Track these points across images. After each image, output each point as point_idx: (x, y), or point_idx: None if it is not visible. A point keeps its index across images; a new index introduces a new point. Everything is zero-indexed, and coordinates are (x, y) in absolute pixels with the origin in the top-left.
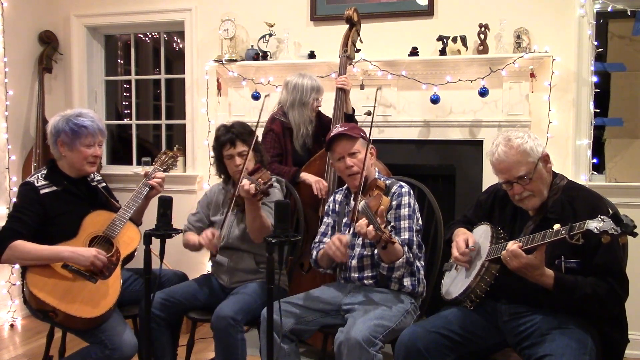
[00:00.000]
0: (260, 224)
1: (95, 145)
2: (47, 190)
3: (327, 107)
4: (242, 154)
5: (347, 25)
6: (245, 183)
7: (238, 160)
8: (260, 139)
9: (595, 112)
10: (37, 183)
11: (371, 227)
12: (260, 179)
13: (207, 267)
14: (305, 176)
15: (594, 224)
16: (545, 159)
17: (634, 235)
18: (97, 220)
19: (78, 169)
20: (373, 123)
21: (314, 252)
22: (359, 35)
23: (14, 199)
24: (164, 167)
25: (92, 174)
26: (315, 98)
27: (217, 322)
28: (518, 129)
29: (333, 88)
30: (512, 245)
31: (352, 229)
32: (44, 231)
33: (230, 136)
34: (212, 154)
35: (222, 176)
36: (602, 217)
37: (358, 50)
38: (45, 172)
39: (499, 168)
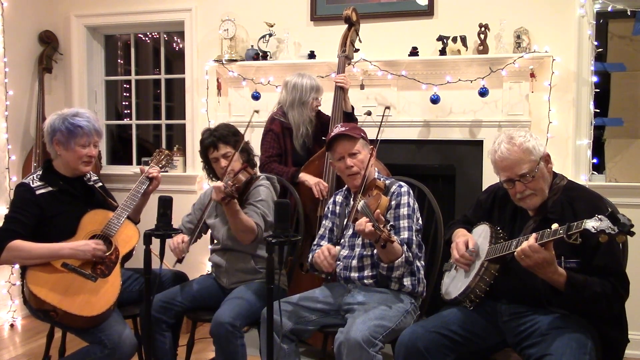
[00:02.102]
0: (242, 225)
1: (90, 145)
2: (43, 190)
3: (326, 107)
4: (227, 155)
5: (347, 25)
6: (216, 186)
7: (223, 163)
8: (248, 139)
9: (595, 112)
10: (33, 184)
11: (370, 225)
12: (230, 182)
13: (207, 267)
14: (305, 177)
15: (591, 224)
16: (547, 158)
17: (631, 234)
18: (94, 219)
19: (73, 169)
20: (373, 123)
21: (310, 255)
22: (357, 35)
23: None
24: (160, 165)
25: (88, 174)
26: (314, 97)
27: (216, 329)
28: (519, 129)
29: (332, 87)
30: (530, 241)
31: (352, 229)
32: (41, 232)
33: (212, 139)
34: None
35: (214, 179)
36: (599, 216)
37: (357, 50)
38: (40, 173)
39: (502, 166)
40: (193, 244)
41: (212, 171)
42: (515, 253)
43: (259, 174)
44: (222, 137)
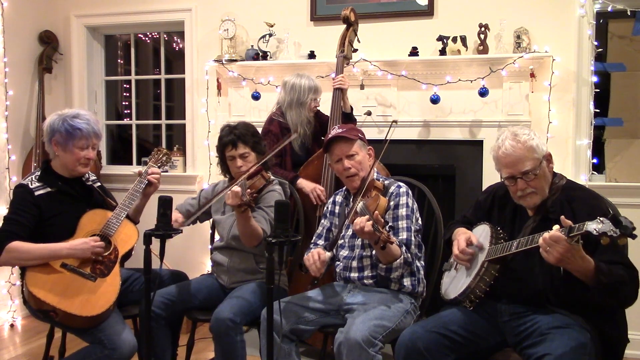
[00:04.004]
0: (250, 231)
1: (88, 147)
2: (41, 191)
3: (326, 107)
4: (244, 155)
5: (345, 26)
6: (234, 191)
7: (239, 162)
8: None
9: (595, 112)
10: (32, 185)
11: (370, 223)
12: (249, 189)
13: (207, 267)
14: (302, 184)
15: (593, 226)
16: (548, 158)
17: (633, 237)
18: (93, 219)
19: (70, 170)
20: (373, 123)
21: (306, 254)
22: (356, 35)
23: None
24: (159, 164)
25: (86, 174)
26: (313, 98)
27: (216, 324)
28: (523, 127)
29: (331, 87)
30: (551, 231)
31: (352, 230)
32: (41, 232)
33: (232, 137)
34: (212, 153)
35: (227, 176)
36: (601, 218)
37: (355, 50)
38: (39, 173)
39: (505, 162)
40: (188, 225)
41: (225, 168)
42: (540, 247)
43: (272, 177)
44: (241, 136)
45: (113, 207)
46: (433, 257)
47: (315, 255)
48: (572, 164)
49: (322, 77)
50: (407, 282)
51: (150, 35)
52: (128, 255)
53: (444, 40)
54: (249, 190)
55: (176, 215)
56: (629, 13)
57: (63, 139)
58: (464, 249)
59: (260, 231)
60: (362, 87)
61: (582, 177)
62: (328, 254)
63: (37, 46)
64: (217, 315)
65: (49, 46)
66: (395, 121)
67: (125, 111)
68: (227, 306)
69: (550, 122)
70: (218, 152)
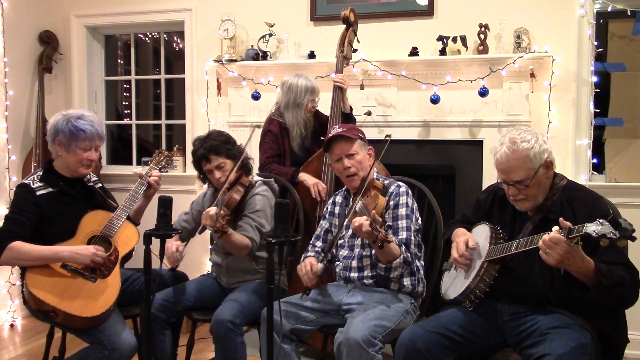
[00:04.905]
0: (235, 246)
1: (91, 149)
2: (43, 191)
3: (325, 108)
4: (219, 166)
5: (345, 26)
6: (207, 214)
7: (217, 174)
8: (240, 143)
9: (595, 112)
10: (33, 185)
11: (368, 223)
12: (225, 208)
13: (207, 267)
14: (304, 177)
15: (592, 228)
16: (548, 165)
17: (633, 239)
18: (94, 220)
19: (72, 171)
20: (373, 123)
21: (303, 257)
22: (355, 35)
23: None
24: (159, 166)
25: (88, 175)
26: (310, 99)
27: (216, 326)
28: (528, 130)
29: (331, 87)
30: (551, 233)
31: (351, 230)
32: (41, 232)
33: (202, 152)
34: None
35: (210, 186)
36: (600, 220)
37: (355, 51)
38: (41, 173)
39: (499, 168)
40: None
41: (206, 179)
42: (540, 249)
43: (256, 178)
44: (212, 148)
45: (114, 209)
46: (433, 257)
47: (308, 266)
48: (572, 164)
49: (322, 77)
50: (407, 282)
51: (150, 35)
52: (128, 256)
53: (444, 40)
54: (222, 212)
55: (175, 245)
56: (629, 13)
57: (67, 140)
58: (464, 252)
59: (246, 242)
60: (362, 87)
61: (582, 177)
62: (320, 265)
63: (37, 46)
64: (217, 318)
65: (49, 46)
66: (389, 135)
67: (125, 111)
68: (226, 308)
69: (550, 122)
70: (195, 167)
